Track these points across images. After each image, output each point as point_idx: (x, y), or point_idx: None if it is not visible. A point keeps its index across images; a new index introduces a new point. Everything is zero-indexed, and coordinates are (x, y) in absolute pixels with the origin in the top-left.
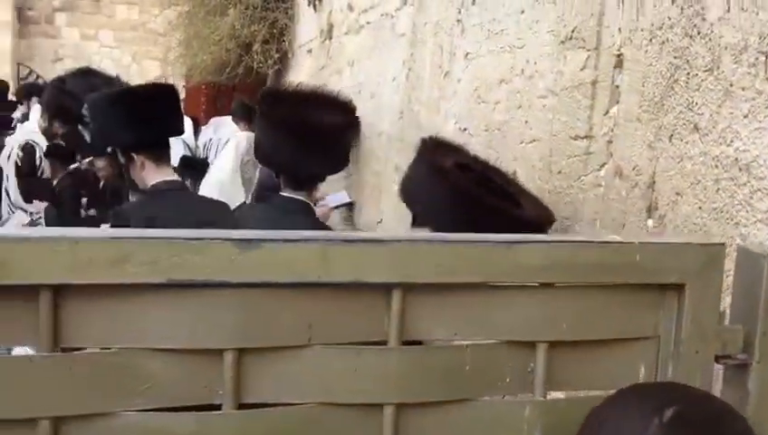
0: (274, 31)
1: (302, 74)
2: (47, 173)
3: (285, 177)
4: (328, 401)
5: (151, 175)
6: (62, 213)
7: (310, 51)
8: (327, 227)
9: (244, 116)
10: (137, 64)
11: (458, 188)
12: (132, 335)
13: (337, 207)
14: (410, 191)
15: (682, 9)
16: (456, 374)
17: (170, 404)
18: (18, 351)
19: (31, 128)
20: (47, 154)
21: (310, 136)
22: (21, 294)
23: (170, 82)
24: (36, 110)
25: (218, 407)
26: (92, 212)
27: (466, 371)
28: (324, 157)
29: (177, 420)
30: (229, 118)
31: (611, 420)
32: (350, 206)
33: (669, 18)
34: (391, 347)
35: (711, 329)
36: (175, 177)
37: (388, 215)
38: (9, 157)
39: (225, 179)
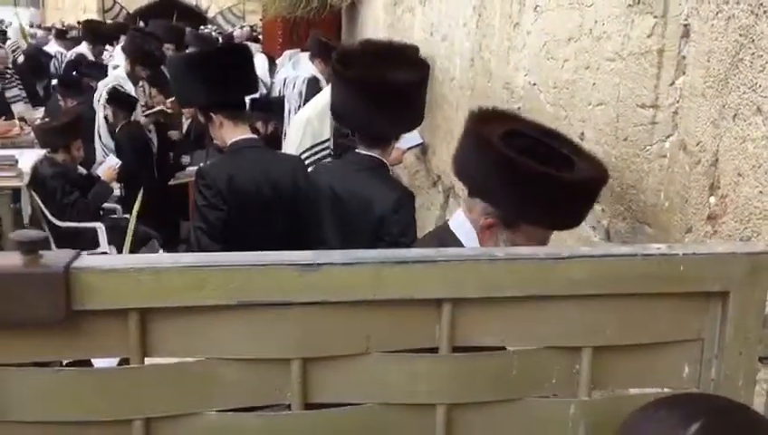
0: None
1: (376, 9)
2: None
3: (360, 135)
4: (386, 402)
5: (229, 133)
6: (126, 160)
7: None
8: (398, 183)
9: (321, 53)
10: None
11: (503, 158)
12: (210, 347)
13: (410, 149)
14: (460, 165)
15: None
16: (504, 377)
17: (245, 405)
18: (99, 363)
19: (120, 74)
20: (109, 100)
21: (383, 95)
22: (113, 316)
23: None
24: (119, 53)
25: (288, 407)
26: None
27: (513, 374)
28: (398, 115)
29: (252, 419)
30: (306, 54)
31: (641, 432)
32: (422, 146)
33: None
34: (443, 355)
35: (754, 332)
36: (251, 135)
37: None
38: (99, 100)
39: (313, 119)
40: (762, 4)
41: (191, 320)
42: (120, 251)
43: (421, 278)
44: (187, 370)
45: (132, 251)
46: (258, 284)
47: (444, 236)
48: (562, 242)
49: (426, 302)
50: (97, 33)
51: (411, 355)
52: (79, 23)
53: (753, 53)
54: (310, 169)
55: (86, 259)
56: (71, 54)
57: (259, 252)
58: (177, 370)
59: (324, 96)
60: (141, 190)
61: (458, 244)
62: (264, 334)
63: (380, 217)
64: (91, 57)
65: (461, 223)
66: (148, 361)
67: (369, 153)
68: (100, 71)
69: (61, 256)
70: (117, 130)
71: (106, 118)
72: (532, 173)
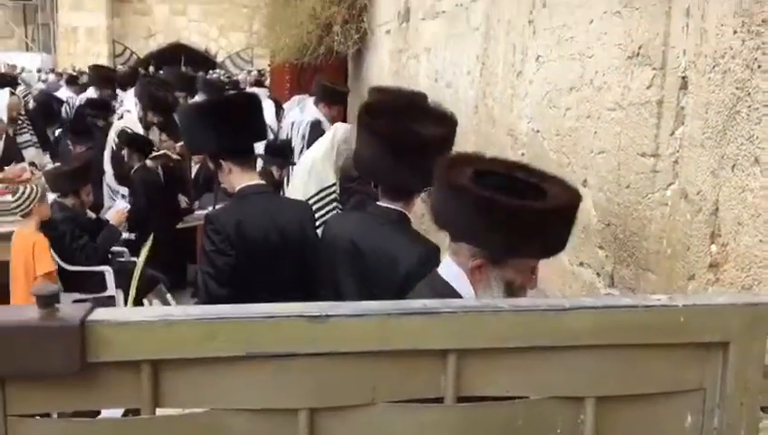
0: (353, 11)
1: (381, 55)
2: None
3: (384, 187)
4: None
5: (238, 179)
6: (138, 202)
7: (388, 32)
8: (423, 238)
9: (325, 97)
10: (224, 37)
11: (480, 199)
12: (219, 398)
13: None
14: (438, 213)
15: (743, 41)
16: (510, 427)
17: None
18: (105, 413)
19: (134, 118)
20: (125, 142)
21: (409, 149)
22: (126, 368)
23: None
24: (130, 98)
25: None
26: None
27: (519, 424)
28: (423, 169)
29: None
30: (313, 99)
31: None
32: (428, 191)
33: (731, 48)
34: (448, 405)
35: (755, 382)
36: (260, 181)
37: None
38: (109, 143)
39: (318, 162)
40: (756, 59)
41: (201, 371)
42: (126, 294)
43: (426, 329)
44: (196, 420)
45: (139, 295)
46: (267, 335)
47: (435, 284)
48: (568, 287)
49: (431, 352)
50: (105, 77)
51: (417, 405)
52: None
53: (750, 106)
54: (328, 217)
55: (100, 312)
56: (80, 99)
57: (268, 304)
58: (187, 420)
59: (326, 140)
60: (152, 234)
61: (449, 289)
62: (272, 385)
63: (406, 274)
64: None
65: (449, 268)
66: (158, 411)
67: (393, 206)
68: (107, 110)
69: (76, 309)
70: (132, 172)
71: (114, 161)
72: (511, 208)
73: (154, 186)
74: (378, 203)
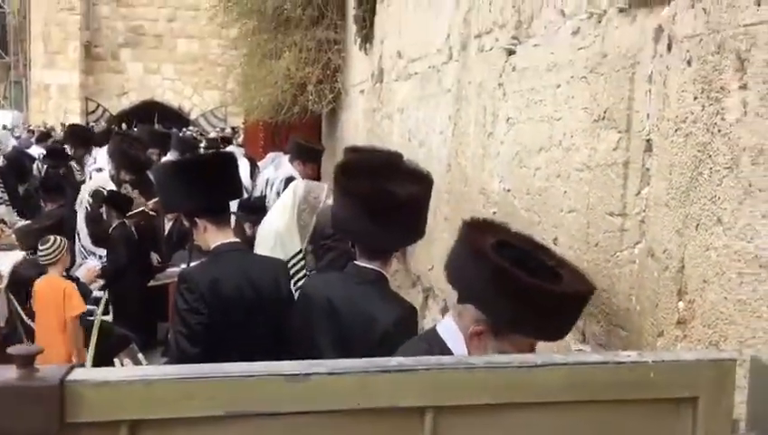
0: (328, 71)
1: (355, 114)
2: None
3: (361, 246)
4: None
5: (213, 237)
6: (117, 259)
7: (362, 91)
8: (399, 298)
9: (300, 155)
10: (197, 95)
11: (497, 269)
12: None
13: None
14: (454, 272)
15: (703, 106)
16: None
17: None
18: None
19: (105, 177)
20: (104, 201)
21: (385, 209)
22: (105, 428)
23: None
24: (103, 156)
25: None
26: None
27: None
28: (400, 229)
29: None
30: (287, 157)
31: None
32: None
33: (692, 113)
34: None
35: None
36: (234, 238)
37: (438, 262)
38: (82, 202)
39: (282, 232)
40: (716, 123)
41: (180, 430)
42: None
43: (404, 387)
44: None
45: (109, 354)
46: (246, 394)
47: (431, 341)
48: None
49: (409, 410)
50: (80, 136)
51: None
52: (63, 124)
53: (711, 168)
54: (304, 279)
55: (79, 372)
56: None
57: (246, 363)
58: None
59: (288, 201)
60: (106, 294)
61: (445, 348)
62: None
63: (383, 334)
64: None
65: (449, 328)
66: None
67: (370, 266)
68: (63, 158)
69: (55, 369)
70: (111, 229)
71: (89, 221)
72: (527, 285)
73: (132, 243)
74: (355, 262)
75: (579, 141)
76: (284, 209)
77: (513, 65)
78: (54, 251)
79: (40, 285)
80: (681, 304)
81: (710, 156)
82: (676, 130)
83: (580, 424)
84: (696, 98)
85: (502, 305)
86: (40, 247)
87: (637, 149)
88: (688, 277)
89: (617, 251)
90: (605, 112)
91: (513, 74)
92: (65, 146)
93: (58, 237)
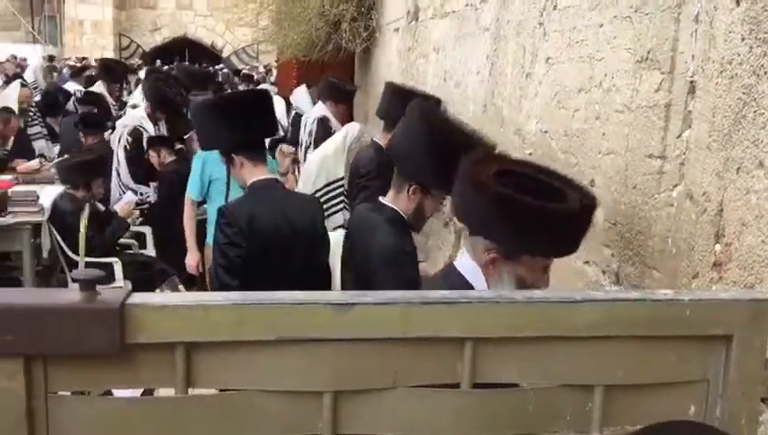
0: (362, 9)
1: (389, 53)
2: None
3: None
4: (410, 434)
5: (249, 173)
6: (163, 196)
7: (397, 30)
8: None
9: (332, 95)
10: (230, 32)
11: (500, 196)
12: (249, 380)
13: None
14: (460, 208)
15: (751, 48)
16: (521, 413)
17: (281, 434)
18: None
19: (140, 114)
20: (150, 144)
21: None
22: (162, 349)
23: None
24: (138, 93)
25: None
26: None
27: (530, 410)
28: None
29: None
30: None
31: None
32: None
33: (738, 54)
34: (464, 390)
35: (756, 374)
36: (270, 175)
37: None
38: (120, 139)
39: (329, 158)
40: (762, 66)
41: (233, 354)
42: (134, 286)
43: (445, 318)
44: (227, 400)
45: (151, 284)
46: (296, 321)
47: (450, 276)
48: (573, 284)
49: (449, 340)
50: (112, 71)
51: (434, 390)
52: (96, 60)
53: (756, 111)
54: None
55: (139, 296)
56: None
57: (298, 292)
58: (218, 400)
59: (338, 139)
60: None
61: (463, 280)
62: (299, 368)
63: (375, 269)
64: (106, 95)
65: (465, 262)
66: (191, 392)
67: (390, 204)
68: (97, 105)
69: (115, 293)
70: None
71: (130, 160)
72: (528, 207)
73: (182, 179)
74: (380, 199)
75: (620, 82)
76: (333, 144)
77: (554, 4)
78: None
79: None
80: (718, 247)
81: (755, 99)
82: (721, 72)
83: (615, 359)
84: (743, 39)
85: (508, 231)
86: None
87: (679, 91)
88: (726, 220)
89: (655, 193)
90: (648, 53)
91: (554, 13)
92: (99, 82)
93: None
